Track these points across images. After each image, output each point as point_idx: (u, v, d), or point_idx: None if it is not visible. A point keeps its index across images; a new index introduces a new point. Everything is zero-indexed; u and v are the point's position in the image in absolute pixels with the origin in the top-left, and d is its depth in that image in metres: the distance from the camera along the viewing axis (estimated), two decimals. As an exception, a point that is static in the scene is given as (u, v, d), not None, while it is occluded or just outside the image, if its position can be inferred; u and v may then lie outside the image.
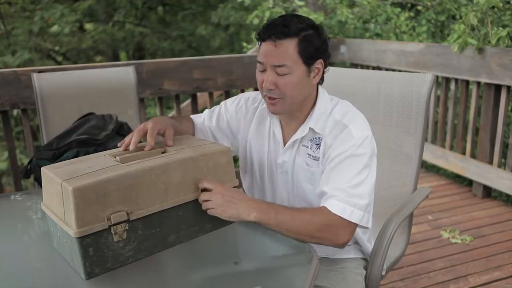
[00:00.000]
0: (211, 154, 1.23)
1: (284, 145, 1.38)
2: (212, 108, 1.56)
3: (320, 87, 1.36)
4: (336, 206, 1.21)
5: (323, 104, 1.33)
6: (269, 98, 1.28)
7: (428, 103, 1.65)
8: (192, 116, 1.57)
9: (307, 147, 1.34)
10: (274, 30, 1.23)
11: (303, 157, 1.35)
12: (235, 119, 1.49)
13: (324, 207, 1.22)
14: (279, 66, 1.23)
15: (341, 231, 1.21)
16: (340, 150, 1.25)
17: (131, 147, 1.23)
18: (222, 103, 1.54)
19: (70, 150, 1.89)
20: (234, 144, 1.52)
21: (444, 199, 3.24)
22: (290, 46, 1.23)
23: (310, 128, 1.32)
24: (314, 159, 1.32)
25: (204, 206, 1.19)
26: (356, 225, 1.23)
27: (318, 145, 1.32)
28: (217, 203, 1.17)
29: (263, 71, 1.27)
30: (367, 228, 1.28)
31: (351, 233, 1.23)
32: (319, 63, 1.28)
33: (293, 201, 1.41)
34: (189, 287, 1.09)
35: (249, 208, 1.17)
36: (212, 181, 1.20)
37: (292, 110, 1.32)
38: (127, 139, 1.26)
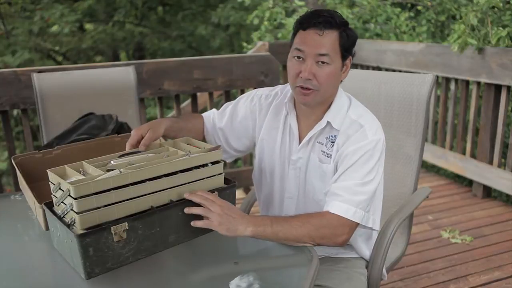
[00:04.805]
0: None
1: (300, 141, 1.37)
2: (221, 108, 1.53)
3: None
4: (339, 207, 1.21)
5: (341, 101, 1.34)
6: (303, 88, 1.27)
7: (429, 104, 1.65)
8: (203, 114, 1.55)
9: (322, 144, 1.34)
10: (319, 20, 1.23)
11: (317, 154, 1.34)
12: (250, 117, 1.48)
13: (325, 211, 1.23)
14: (323, 54, 1.24)
15: (339, 230, 1.21)
16: (353, 148, 1.26)
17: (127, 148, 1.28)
18: (233, 103, 1.51)
19: (70, 150, 1.89)
20: (246, 145, 1.52)
21: (444, 199, 3.24)
22: (333, 37, 1.24)
23: (328, 122, 1.32)
24: (327, 156, 1.33)
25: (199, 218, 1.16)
26: (357, 224, 1.23)
27: (333, 142, 1.32)
28: (215, 217, 1.14)
29: (300, 60, 1.26)
30: (374, 229, 1.29)
31: (350, 231, 1.23)
32: (349, 60, 1.31)
33: (303, 198, 1.40)
34: (189, 287, 1.09)
35: (246, 223, 1.15)
36: (206, 193, 1.18)
37: (320, 103, 1.32)
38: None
